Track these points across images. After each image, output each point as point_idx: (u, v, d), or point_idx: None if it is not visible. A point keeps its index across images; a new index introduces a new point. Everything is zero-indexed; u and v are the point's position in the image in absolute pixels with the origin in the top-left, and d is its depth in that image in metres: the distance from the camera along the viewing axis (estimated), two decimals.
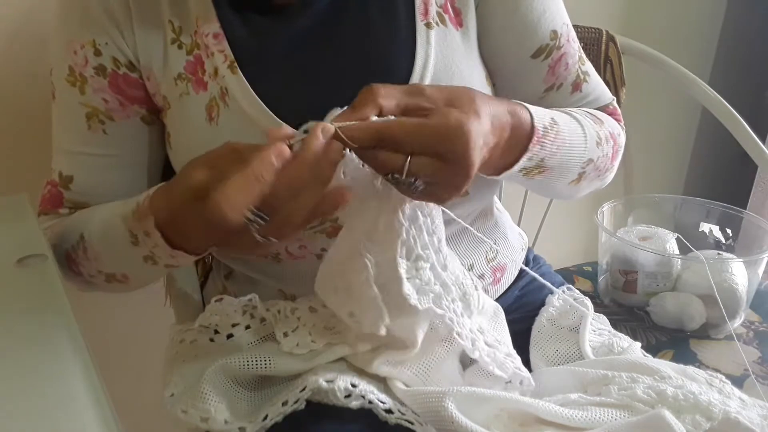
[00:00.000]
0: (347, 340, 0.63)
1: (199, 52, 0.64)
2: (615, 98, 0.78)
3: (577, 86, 0.73)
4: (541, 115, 0.59)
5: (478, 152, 0.49)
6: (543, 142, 0.59)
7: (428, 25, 0.65)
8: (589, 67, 0.75)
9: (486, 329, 0.63)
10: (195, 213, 0.49)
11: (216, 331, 0.68)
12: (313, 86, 0.64)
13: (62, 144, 0.71)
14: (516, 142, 0.56)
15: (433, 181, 0.49)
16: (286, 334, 0.64)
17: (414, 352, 0.60)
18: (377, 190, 0.54)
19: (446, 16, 0.66)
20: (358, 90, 0.62)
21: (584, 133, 0.65)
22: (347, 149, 0.49)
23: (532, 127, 0.57)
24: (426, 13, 0.65)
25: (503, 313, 0.69)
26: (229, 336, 0.67)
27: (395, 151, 0.48)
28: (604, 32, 1.08)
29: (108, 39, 0.65)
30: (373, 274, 0.55)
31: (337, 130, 0.48)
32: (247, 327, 0.67)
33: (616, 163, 0.73)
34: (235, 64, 0.63)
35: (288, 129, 0.50)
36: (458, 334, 0.58)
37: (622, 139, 0.73)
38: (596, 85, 0.75)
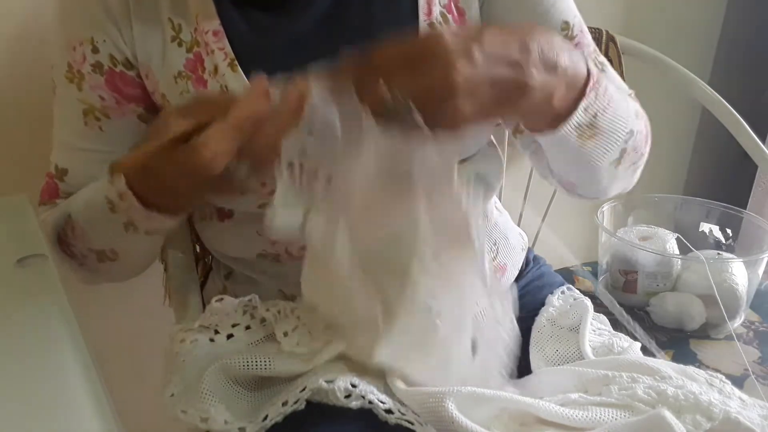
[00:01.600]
0: (346, 333, 0.63)
1: (198, 50, 0.64)
2: (633, 91, 0.74)
3: None
4: (590, 64, 0.56)
5: (462, 54, 0.46)
6: (597, 89, 0.55)
7: (431, 26, 0.65)
8: (604, 59, 0.73)
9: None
10: (172, 161, 0.50)
11: (216, 331, 0.68)
12: None
13: (60, 138, 0.72)
14: (573, 84, 0.53)
15: (424, 100, 0.46)
16: (286, 334, 0.64)
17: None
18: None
19: (450, 17, 0.66)
20: None
21: (624, 98, 0.62)
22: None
23: (588, 69, 0.54)
24: (429, 13, 0.65)
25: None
26: (229, 336, 0.67)
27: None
28: (604, 32, 1.08)
29: (106, 36, 0.65)
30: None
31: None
32: (247, 327, 0.67)
33: (647, 150, 0.70)
34: (236, 61, 0.63)
35: (266, 82, 0.50)
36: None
37: (649, 126, 0.70)
38: (614, 76, 0.73)
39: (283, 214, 0.53)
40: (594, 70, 0.55)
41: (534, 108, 0.51)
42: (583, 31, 0.70)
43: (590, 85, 0.54)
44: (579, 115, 0.55)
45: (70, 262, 0.70)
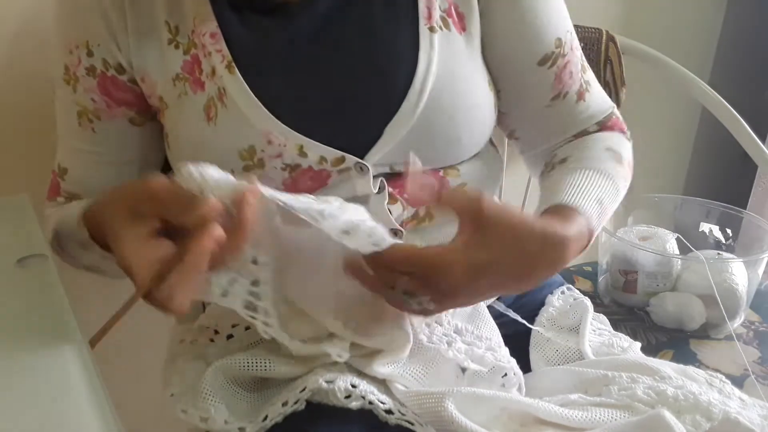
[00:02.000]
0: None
1: (196, 52, 0.64)
2: (615, 105, 0.77)
3: (581, 95, 0.73)
4: (591, 212, 0.61)
5: (463, 285, 0.53)
6: (596, 232, 0.62)
7: (432, 29, 0.65)
8: (590, 75, 0.75)
9: (464, 328, 0.64)
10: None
11: (216, 331, 0.68)
12: (313, 88, 0.64)
13: (60, 137, 0.73)
14: (578, 250, 0.60)
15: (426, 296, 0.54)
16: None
17: (407, 349, 0.61)
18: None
19: (450, 21, 0.66)
20: (360, 92, 0.63)
21: (617, 191, 0.68)
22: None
23: (590, 230, 0.61)
24: (429, 17, 0.65)
25: (485, 309, 0.68)
26: (229, 336, 0.67)
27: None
28: (604, 32, 1.08)
29: (100, 40, 0.66)
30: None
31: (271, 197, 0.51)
32: (247, 328, 0.67)
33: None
34: (233, 64, 0.63)
35: (216, 205, 0.49)
36: (431, 341, 0.61)
37: (631, 158, 0.74)
38: (597, 93, 0.75)
39: (204, 287, 0.54)
40: (596, 221, 0.61)
41: None
42: (574, 48, 0.72)
43: (590, 242, 0.61)
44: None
45: (68, 261, 0.71)
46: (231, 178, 0.51)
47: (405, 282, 0.54)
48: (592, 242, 0.61)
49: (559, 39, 0.70)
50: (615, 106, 0.77)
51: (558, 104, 0.72)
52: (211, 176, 0.50)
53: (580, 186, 0.64)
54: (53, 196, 0.75)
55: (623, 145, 0.74)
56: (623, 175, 0.70)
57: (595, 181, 0.66)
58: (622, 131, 0.77)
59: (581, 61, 0.73)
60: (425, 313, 0.56)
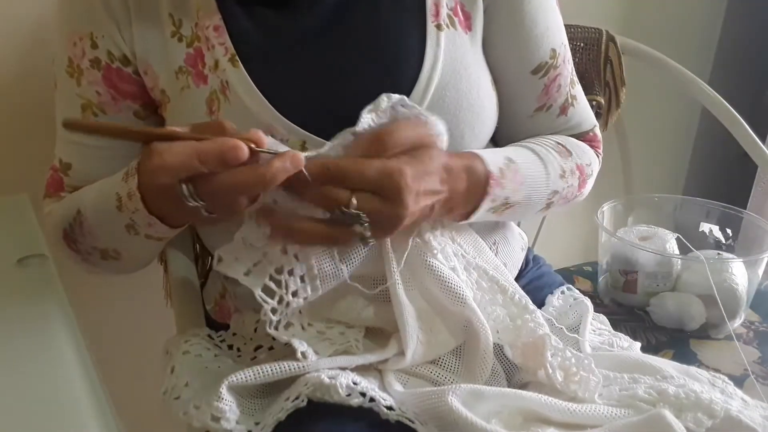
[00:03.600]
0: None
1: (199, 45, 0.64)
2: (597, 125, 0.79)
3: (564, 109, 0.74)
4: (494, 159, 0.63)
5: (413, 197, 0.55)
6: (502, 182, 0.63)
7: (438, 27, 0.65)
8: (578, 91, 0.76)
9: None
10: (144, 155, 0.52)
11: (230, 346, 0.68)
12: (318, 83, 0.63)
13: (62, 132, 0.73)
14: (474, 189, 0.61)
15: (373, 219, 0.54)
16: (305, 355, 0.62)
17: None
18: None
19: (456, 20, 0.66)
20: (365, 88, 0.63)
21: (545, 166, 0.68)
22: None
23: (487, 172, 0.61)
24: (437, 14, 0.65)
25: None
26: (253, 358, 0.67)
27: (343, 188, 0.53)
28: (604, 32, 1.08)
29: (105, 32, 0.66)
30: None
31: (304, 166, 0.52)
32: (270, 348, 0.66)
33: (586, 190, 0.75)
34: (236, 57, 0.63)
35: (265, 139, 0.52)
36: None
37: (592, 168, 0.75)
38: (582, 110, 0.76)
39: (230, 262, 0.58)
40: (498, 166, 0.63)
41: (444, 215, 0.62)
42: (566, 61, 0.73)
43: (491, 184, 0.62)
44: (487, 205, 0.63)
45: (75, 256, 0.71)
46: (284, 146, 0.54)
47: (361, 197, 0.54)
48: (496, 188, 0.62)
49: (554, 50, 0.71)
50: (597, 125, 0.79)
51: (540, 116, 0.73)
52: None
53: (497, 148, 0.67)
54: (55, 191, 0.74)
55: (584, 151, 0.74)
56: (563, 167, 0.70)
57: (516, 149, 0.68)
58: (593, 146, 0.78)
59: (571, 75, 0.74)
60: (364, 241, 0.57)
